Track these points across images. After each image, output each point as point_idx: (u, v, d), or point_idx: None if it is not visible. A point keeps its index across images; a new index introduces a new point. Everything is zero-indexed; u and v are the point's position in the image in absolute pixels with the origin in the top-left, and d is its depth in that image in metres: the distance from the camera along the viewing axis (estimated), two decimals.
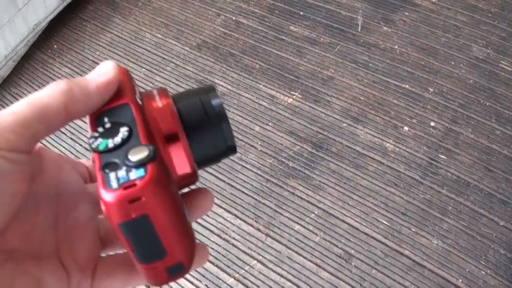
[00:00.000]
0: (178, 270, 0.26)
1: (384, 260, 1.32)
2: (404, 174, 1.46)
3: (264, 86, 1.71)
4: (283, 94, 1.68)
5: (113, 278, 0.29)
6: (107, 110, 0.26)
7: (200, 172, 0.30)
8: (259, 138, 1.57)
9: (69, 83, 0.25)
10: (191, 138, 0.28)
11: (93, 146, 0.24)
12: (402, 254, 1.33)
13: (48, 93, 0.24)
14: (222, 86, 1.69)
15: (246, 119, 1.62)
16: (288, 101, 1.66)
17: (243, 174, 1.50)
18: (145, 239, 0.23)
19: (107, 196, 0.22)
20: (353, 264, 1.32)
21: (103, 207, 0.22)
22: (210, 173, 1.50)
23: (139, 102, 0.27)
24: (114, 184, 0.22)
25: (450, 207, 1.39)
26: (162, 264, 0.25)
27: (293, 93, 1.68)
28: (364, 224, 1.38)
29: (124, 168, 0.23)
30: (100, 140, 0.24)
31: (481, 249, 1.32)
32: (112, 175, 0.22)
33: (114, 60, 0.28)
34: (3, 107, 1.78)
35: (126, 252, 0.28)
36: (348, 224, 1.39)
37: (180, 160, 0.27)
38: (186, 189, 0.31)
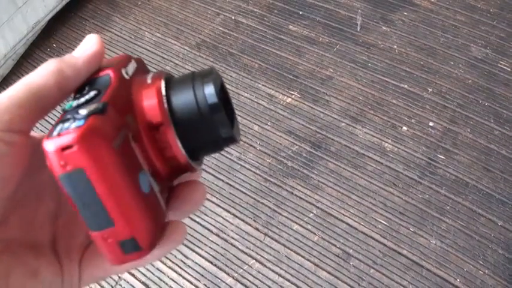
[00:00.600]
0: (132, 248, 0.24)
1: (382, 260, 1.32)
2: (402, 174, 1.46)
3: (263, 85, 1.71)
4: (282, 93, 1.68)
5: (98, 264, 0.29)
6: (90, 79, 0.26)
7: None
8: (258, 137, 1.57)
9: (59, 62, 0.26)
10: (180, 126, 0.27)
11: (62, 106, 0.24)
12: (400, 253, 1.33)
13: (41, 74, 0.25)
14: None
15: (245, 119, 1.62)
16: (287, 101, 1.66)
17: (241, 173, 1.50)
18: (86, 199, 0.23)
19: (45, 143, 0.22)
20: (351, 263, 1.32)
21: (46, 159, 0.22)
22: (209, 173, 1.51)
23: (126, 76, 0.27)
24: (55, 133, 0.22)
25: (448, 207, 1.39)
26: (112, 236, 0.24)
27: (292, 92, 1.68)
28: (363, 224, 1.38)
29: (70, 121, 0.22)
30: (71, 101, 0.25)
31: (479, 248, 1.32)
32: (58, 126, 0.23)
33: None
34: None
35: None
36: (347, 223, 1.39)
37: (165, 146, 0.27)
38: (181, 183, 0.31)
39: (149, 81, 0.27)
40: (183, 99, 0.27)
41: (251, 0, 1.98)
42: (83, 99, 0.24)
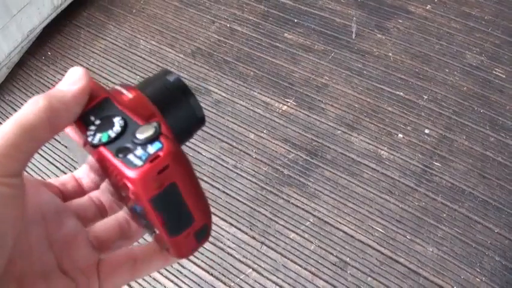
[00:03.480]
0: (204, 234, 0.28)
1: (379, 268, 1.32)
2: (399, 182, 1.46)
3: (258, 93, 1.71)
4: (277, 101, 1.68)
5: (119, 273, 0.30)
6: (90, 109, 0.27)
7: None
8: (254, 145, 1.57)
9: (47, 98, 0.25)
10: (165, 117, 0.29)
11: (95, 142, 0.25)
12: (397, 261, 1.32)
13: (32, 111, 0.24)
14: (217, 93, 1.69)
15: (241, 127, 1.62)
16: (283, 108, 1.66)
17: (237, 182, 1.50)
18: (175, 208, 0.25)
19: (136, 174, 0.23)
20: (348, 272, 1.32)
21: (132, 188, 0.23)
22: (205, 181, 1.50)
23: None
24: (139, 162, 0.23)
25: (445, 215, 1.39)
26: (191, 231, 0.26)
27: (287, 100, 1.68)
28: (359, 232, 1.38)
29: (138, 147, 0.24)
30: (99, 134, 0.25)
31: (476, 256, 1.32)
32: (130, 156, 0.23)
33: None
34: None
35: (127, 248, 0.30)
36: (343, 231, 1.38)
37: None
38: None
39: (127, 93, 0.29)
40: (158, 92, 0.30)
41: (246, 8, 1.98)
42: (117, 128, 0.25)
